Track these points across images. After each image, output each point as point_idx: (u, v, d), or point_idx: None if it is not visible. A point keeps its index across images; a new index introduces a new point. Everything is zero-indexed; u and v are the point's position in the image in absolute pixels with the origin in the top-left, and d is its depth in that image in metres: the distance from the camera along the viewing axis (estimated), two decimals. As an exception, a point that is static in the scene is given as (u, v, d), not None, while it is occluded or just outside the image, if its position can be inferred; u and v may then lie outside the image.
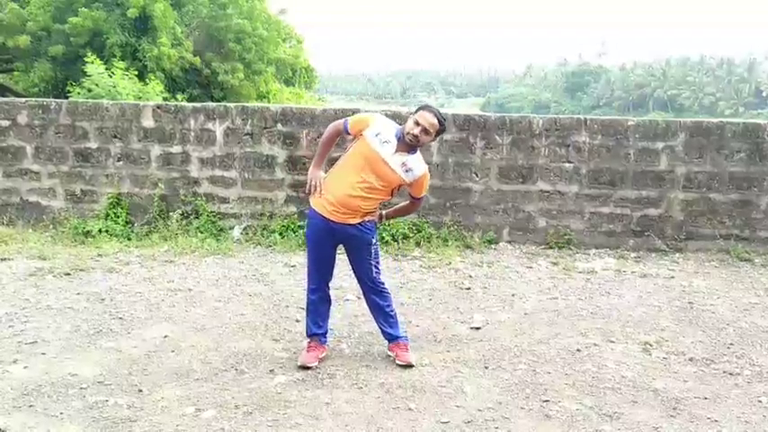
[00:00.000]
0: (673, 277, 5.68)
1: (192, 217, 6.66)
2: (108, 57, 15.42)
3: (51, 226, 6.67)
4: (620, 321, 4.63)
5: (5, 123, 6.77)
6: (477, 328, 4.43)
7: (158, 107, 6.78)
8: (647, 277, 5.66)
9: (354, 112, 6.48)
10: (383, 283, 3.90)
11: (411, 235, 6.40)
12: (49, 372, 3.64)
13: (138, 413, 3.23)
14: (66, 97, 11.05)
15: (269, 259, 5.93)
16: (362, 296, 4.03)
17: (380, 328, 3.93)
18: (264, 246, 6.30)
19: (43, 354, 3.88)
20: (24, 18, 17.37)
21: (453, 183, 6.52)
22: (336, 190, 3.65)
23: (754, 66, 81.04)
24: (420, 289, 5.23)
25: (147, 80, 13.36)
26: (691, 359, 4.03)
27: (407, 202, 3.99)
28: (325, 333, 3.92)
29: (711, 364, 3.96)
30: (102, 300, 4.80)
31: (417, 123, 3.61)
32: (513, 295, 5.14)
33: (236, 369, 3.75)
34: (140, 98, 10.53)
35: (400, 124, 3.73)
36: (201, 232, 6.47)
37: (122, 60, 13.52)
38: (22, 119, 6.76)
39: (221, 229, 6.60)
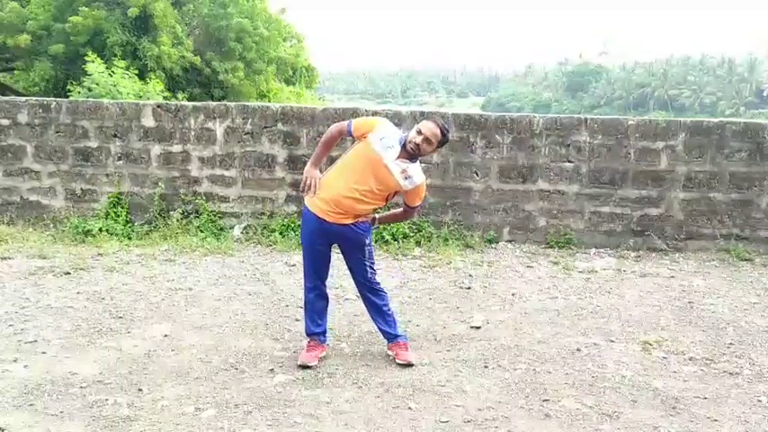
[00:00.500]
0: (673, 277, 5.68)
1: (192, 216, 6.66)
2: (108, 56, 15.44)
3: (52, 225, 6.68)
4: (620, 321, 4.63)
5: (6, 122, 6.77)
6: (478, 328, 4.43)
7: (159, 106, 6.78)
8: (648, 277, 5.66)
9: (355, 111, 6.49)
10: (379, 283, 3.91)
11: (411, 234, 6.40)
12: (49, 371, 3.65)
13: (137, 412, 3.24)
14: (67, 96, 11.06)
15: (269, 258, 5.93)
16: (359, 296, 4.04)
17: (379, 327, 3.94)
18: (265, 245, 6.30)
19: (43, 353, 3.88)
20: (25, 17, 17.38)
21: (454, 182, 6.52)
22: (332, 190, 3.65)
23: (755, 65, 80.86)
24: (420, 288, 5.23)
25: (147, 79, 13.38)
26: (691, 359, 4.03)
27: (401, 209, 3.99)
28: (325, 332, 3.92)
29: (711, 364, 3.96)
30: (103, 299, 4.80)
31: (420, 132, 3.62)
32: (513, 294, 5.14)
33: (236, 368, 3.75)
34: (141, 97, 10.53)
35: (399, 124, 3.74)
36: (202, 231, 6.48)
37: (123, 59, 13.52)
38: (23, 118, 6.76)
39: (221, 229, 6.61)
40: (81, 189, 6.80)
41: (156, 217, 6.62)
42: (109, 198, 6.71)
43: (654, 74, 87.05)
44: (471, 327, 4.45)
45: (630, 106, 79.47)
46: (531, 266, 5.89)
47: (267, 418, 3.21)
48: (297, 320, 4.44)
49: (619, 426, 3.23)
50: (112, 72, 10.59)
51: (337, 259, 4.08)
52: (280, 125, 6.60)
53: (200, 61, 18.83)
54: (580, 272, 5.75)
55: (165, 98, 11.85)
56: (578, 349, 4.12)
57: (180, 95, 15.61)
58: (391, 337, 3.91)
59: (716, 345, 4.25)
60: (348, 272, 3.98)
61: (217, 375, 3.66)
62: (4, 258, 5.69)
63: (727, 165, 6.31)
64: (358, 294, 4.11)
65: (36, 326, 4.27)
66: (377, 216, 3.93)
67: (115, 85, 10.26)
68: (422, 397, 3.46)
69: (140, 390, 3.46)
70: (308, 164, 3.79)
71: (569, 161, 6.43)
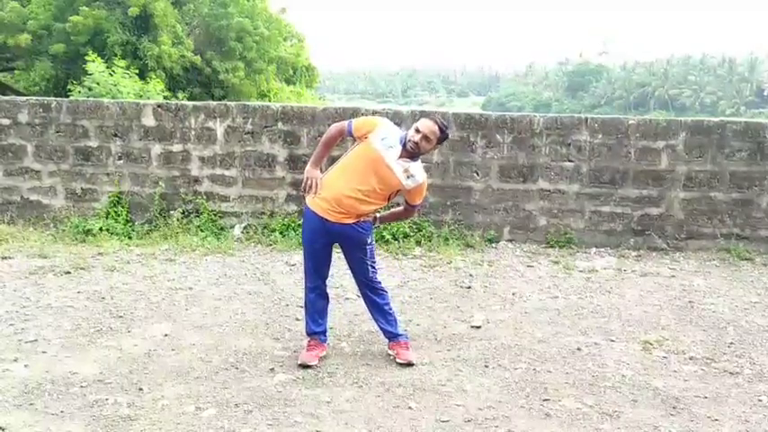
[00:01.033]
0: (673, 276, 5.68)
1: (192, 215, 6.66)
2: (109, 55, 15.44)
3: (52, 224, 6.68)
4: (620, 320, 4.63)
5: (6, 122, 6.77)
6: (478, 327, 4.43)
7: (159, 106, 6.78)
8: (648, 276, 5.66)
9: (355, 110, 6.49)
10: (380, 282, 3.91)
11: (412, 234, 6.40)
12: (49, 370, 3.65)
13: (138, 412, 3.24)
14: (67, 96, 11.06)
15: (269, 258, 5.93)
16: (360, 295, 4.04)
17: (380, 326, 3.94)
18: (265, 244, 6.30)
19: (44, 352, 3.88)
20: (25, 16, 17.39)
21: (454, 181, 6.52)
22: (333, 189, 3.65)
23: (756, 65, 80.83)
24: (421, 288, 5.23)
25: (147, 79, 13.37)
26: (691, 358, 4.03)
27: (402, 208, 3.99)
28: (325, 331, 3.92)
29: (712, 363, 3.96)
30: (103, 298, 4.81)
31: (418, 131, 3.63)
32: (513, 294, 5.14)
33: (237, 368, 3.75)
34: (141, 97, 10.52)
35: (400, 124, 3.74)
36: (202, 231, 6.48)
37: (123, 59, 13.51)
38: (23, 117, 6.76)
39: (222, 228, 6.61)
40: (81, 188, 6.80)
41: (156, 216, 6.62)
42: (109, 197, 6.71)
43: (654, 73, 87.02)
44: (472, 326, 4.45)
45: (631, 106, 79.46)
46: (531, 266, 5.89)
47: (267, 418, 3.21)
48: (297, 320, 4.44)
49: (619, 425, 3.23)
50: (113, 71, 10.58)
51: (338, 258, 4.08)
52: (280, 125, 6.60)
53: (200, 61, 18.83)
54: (580, 271, 5.75)
55: (165, 98, 11.84)
56: (579, 349, 4.12)
57: (180, 95, 15.61)
58: (392, 337, 3.91)
59: (716, 344, 4.25)
60: (349, 271, 3.98)
61: (217, 375, 3.66)
62: (5, 258, 5.69)
63: (727, 164, 6.31)
64: (359, 293, 4.11)
65: (36, 325, 4.27)
66: (378, 215, 3.93)
67: (115, 85, 10.25)
68: (422, 396, 3.46)
69: (141, 389, 3.46)
70: (309, 164, 3.79)
71: (570, 161, 6.43)
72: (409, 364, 3.80)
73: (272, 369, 3.74)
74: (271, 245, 6.28)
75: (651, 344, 4.21)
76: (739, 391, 3.61)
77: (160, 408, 3.28)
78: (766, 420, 3.31)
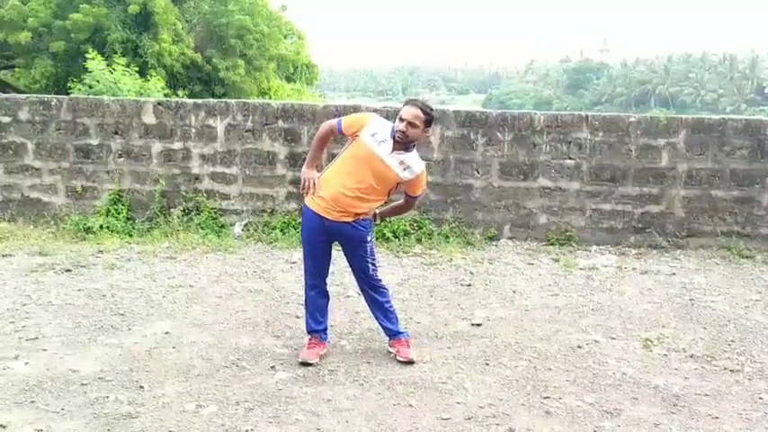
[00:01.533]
0: (674, 274, 5.67)
1: (192, 213, 6.66)
2: (109, 53, 15.46)
3: (52, 222, 6.68)
4: (620, 318, 4.63)
5: (6, 120, 6.77)
6: (478, 325, 4.43)
7: (159, 103, 6.77)
8: (648, 274, 5.66)
9: (355, 108, 6.48)
10: (380, 280, 3.91)
11: (412, 231, 6.40)
12: (49, 368, 3.65)
13: (138, 409, 3.24)
14: (68, 93, 11.06)
15: (270, 256, 5.93)
16: (360, 293, 4.04)
17: (380, 324, 3.94)
18: (265, 242, 6.30)
19: (44, 350, 3.88)
20: (25, 14, 17.39)
21: (454, 179, 6.52)
22: (332, 188, 3.64)
23: (757, 63, 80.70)
24: (421, 285, 5.23)
25: (148, 76, 13.36)
26: (691, 356, 4.03)
27: (401, 201, 3.97)
28: (326, 329, 3.92)
29: (712, 361, 3.96)
30: (103, 296, 4.81)
31: (402, 119, 3.60)
32: (513, 292, 5.14)
33: (237, 365, 3.75)
34: (141, 94, 10.52)
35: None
36: (202, 228, 6.48)
37: (123, 56, 13.53)
38: (23, 115, 6.75)
39: (222, 226, 6.60)
40: (82, 186, 6.79)
41: (156, 214, 6.62)
42: (110, 195, 6.70)
43: (655, 71, 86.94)
44: (472, 324, 4.46)
45: (632, 103, 79.39)
46: (531, 264, 5.89)
47: (268, 415, 3.21)
48: (298, 318, 4.44)
49: (619, 423, 3.23)
50: (113, 69, 10.59)
51: (338, 256, 4.08)
52: (280, 122, 6.59)
53: (200, 58, 18.84)
54: (581, 269, 5.75)
55: (165, 95, 11.85)
56: (579, 346, 4.12)
57: (180, 93, 15.62)
58: (393, 334, 3.91)
59: (717, 342, 4.25)
60: (349, 269, 3.98)
61: (218, 372, 3.66)
62: (5, 255, 5.69)
63: (728, 162, 6.30)
64: (359, 291, 4.11)
65: (37, 323, 4.27)
66: (378, 211, 3.92)
67: (116, 83, 10.26)
68: (423, 394, 3.47)
69: (141, 387, 3.46)
70: (305, 165, 3.78)
71: (570, 158, 6.42)
72: (410, 362, 3.80)
73: (272, 367, 3.74)
74: (271, 242, 6.28)
75: (652, 341, 4.21)
76: (740, 389, 3.61)
77: (161, 405, 3.28)
78: (767, 418, 3.31)
